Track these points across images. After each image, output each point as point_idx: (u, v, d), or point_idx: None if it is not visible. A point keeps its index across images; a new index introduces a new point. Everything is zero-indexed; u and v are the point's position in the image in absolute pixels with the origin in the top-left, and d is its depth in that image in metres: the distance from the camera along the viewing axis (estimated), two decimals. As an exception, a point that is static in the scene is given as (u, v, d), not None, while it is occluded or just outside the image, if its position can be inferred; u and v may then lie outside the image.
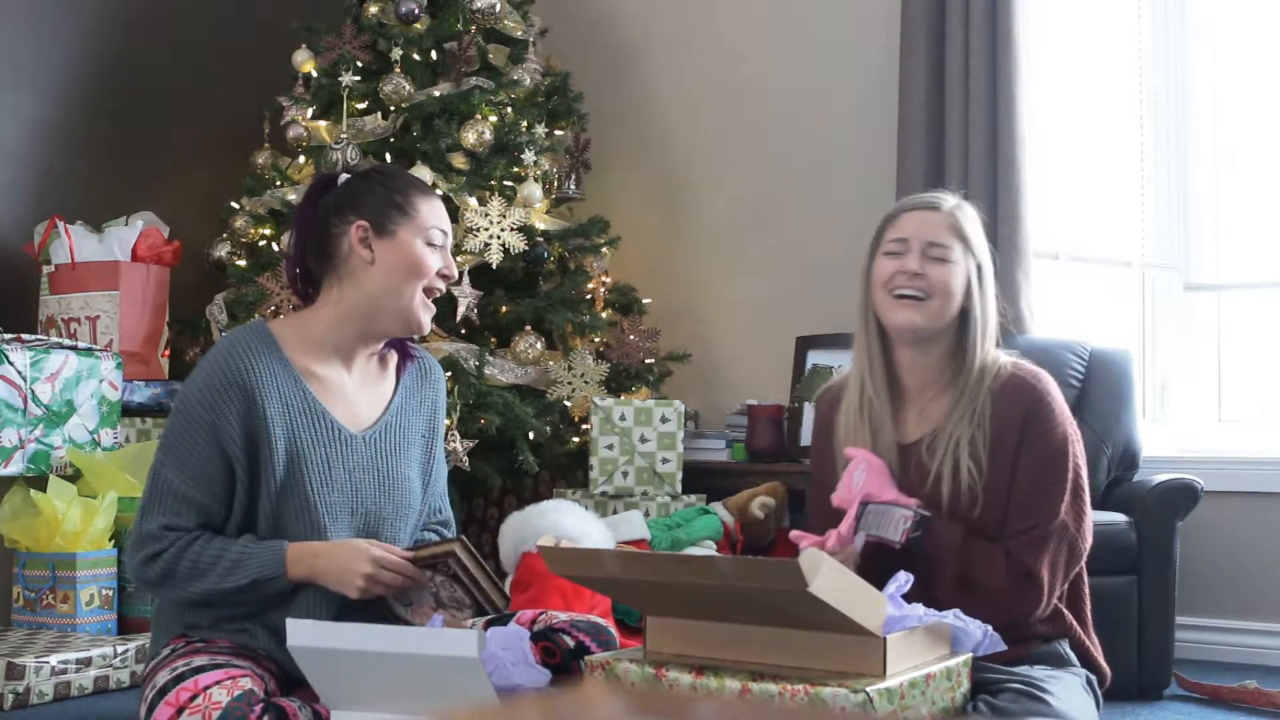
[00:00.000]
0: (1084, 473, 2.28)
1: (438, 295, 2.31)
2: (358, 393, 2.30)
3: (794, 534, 2.34)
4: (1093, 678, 2.29)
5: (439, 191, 3.62)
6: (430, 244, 2.27)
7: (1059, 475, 2.24)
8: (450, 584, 2.19)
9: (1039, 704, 2.06)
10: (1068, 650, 2.29)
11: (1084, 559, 2.29)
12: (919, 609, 1.98)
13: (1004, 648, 2.07)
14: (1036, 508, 2.22)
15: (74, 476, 3.37)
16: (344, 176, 2.34)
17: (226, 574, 2.14)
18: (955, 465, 2.24)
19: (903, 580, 2.01)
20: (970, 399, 2.27)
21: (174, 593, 2.18)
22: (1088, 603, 2.37)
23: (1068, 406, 2.33)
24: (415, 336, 2.38)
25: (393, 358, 2.38)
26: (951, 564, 2.21)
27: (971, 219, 2.36)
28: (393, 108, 3.90)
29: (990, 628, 2.06)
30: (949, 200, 2.37)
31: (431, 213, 2.29)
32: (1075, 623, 2.32)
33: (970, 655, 2.06)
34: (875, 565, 2.21)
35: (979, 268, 2.32)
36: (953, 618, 2.02)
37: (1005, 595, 2.20)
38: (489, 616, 2.40)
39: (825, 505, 2.35)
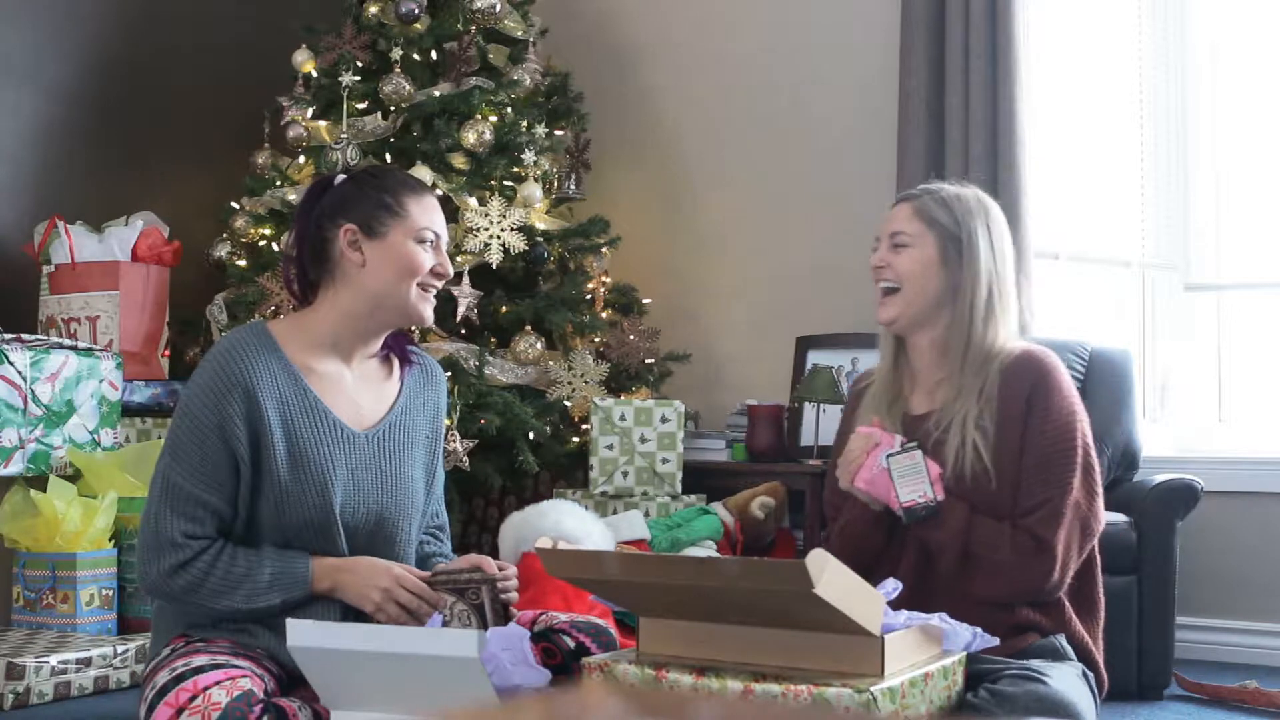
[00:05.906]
0: (1093, 452, 2.33)
1: (434, 291, 2.32)
2: (359, 391, 2.30)
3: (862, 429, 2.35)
4: (1089, 674, 2.30)
5: (438, 191, 3.62)
6: (421, 243, 2.27)
7: (1068, 451, 2.28)
8: (467, 614, 2.20)
9: (1037, 685, 2.11)
10: (1064, 644, 2.31)
11: (1096, 538, 2.33)
12: (903, 614, 2.01)
13: (996, 642, 2.10)
14: (1047, 482, 2.26)
15: (74, 476, 3.37)
16: (340, 178, 2.33)
17: (255, 594, 2.15)
18: (963, 440, 2.29)
19: (890, 588, 2.04)
20: (977, 378, 2.32)
21: (196, 605, 2.17)
22: (1100, 608, 2.41)
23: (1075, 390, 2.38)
24: (416, 335, 2.38)
25: (395, 360, 2.38)
26: (956, 542, 2.25)
27: (947, 200, 2.37)
28: (393, 108, 3.90)
29: (979, 629, 2.08)
30: (937, 188, 2.41)
31: (422, 212, 2.28)
32: (1080, 625, 2.35)
33: (964, 654, 2.08)
34: (878, 536, 2.34)
35: (959, 242, 2.34)
36: (939, 620, 2.04)
37: (1013, 567, 2.24)
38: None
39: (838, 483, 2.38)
